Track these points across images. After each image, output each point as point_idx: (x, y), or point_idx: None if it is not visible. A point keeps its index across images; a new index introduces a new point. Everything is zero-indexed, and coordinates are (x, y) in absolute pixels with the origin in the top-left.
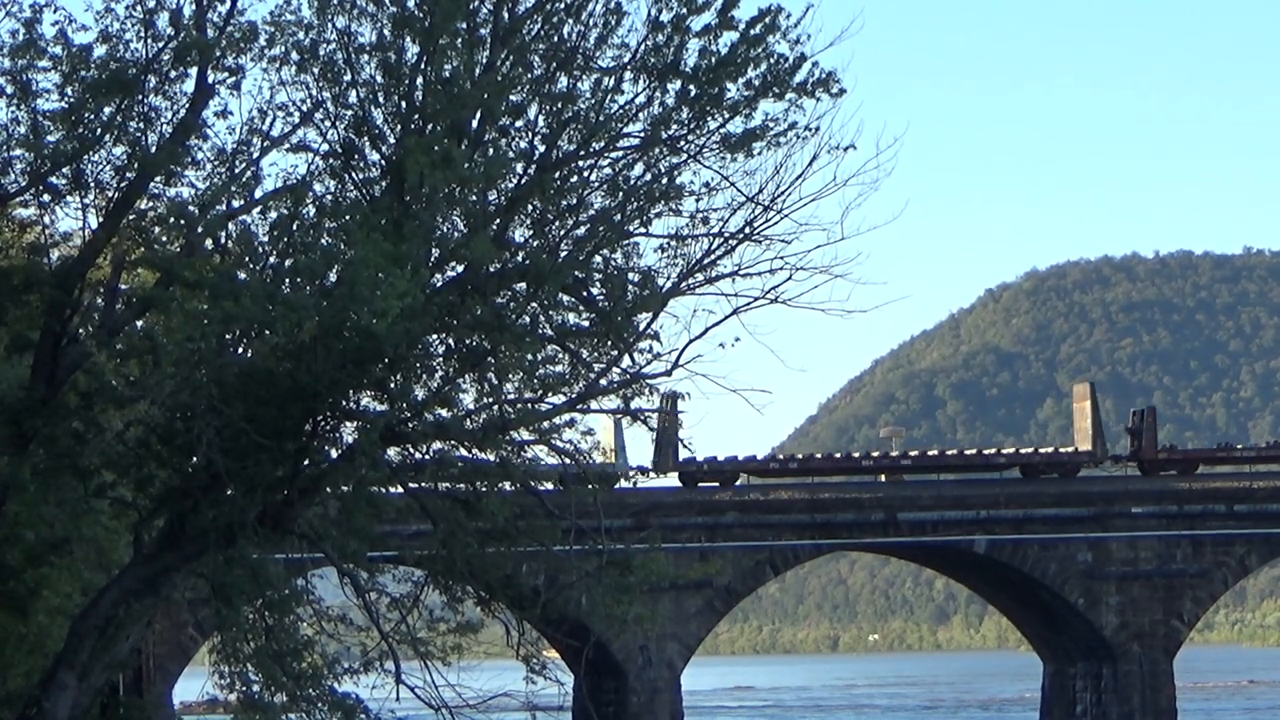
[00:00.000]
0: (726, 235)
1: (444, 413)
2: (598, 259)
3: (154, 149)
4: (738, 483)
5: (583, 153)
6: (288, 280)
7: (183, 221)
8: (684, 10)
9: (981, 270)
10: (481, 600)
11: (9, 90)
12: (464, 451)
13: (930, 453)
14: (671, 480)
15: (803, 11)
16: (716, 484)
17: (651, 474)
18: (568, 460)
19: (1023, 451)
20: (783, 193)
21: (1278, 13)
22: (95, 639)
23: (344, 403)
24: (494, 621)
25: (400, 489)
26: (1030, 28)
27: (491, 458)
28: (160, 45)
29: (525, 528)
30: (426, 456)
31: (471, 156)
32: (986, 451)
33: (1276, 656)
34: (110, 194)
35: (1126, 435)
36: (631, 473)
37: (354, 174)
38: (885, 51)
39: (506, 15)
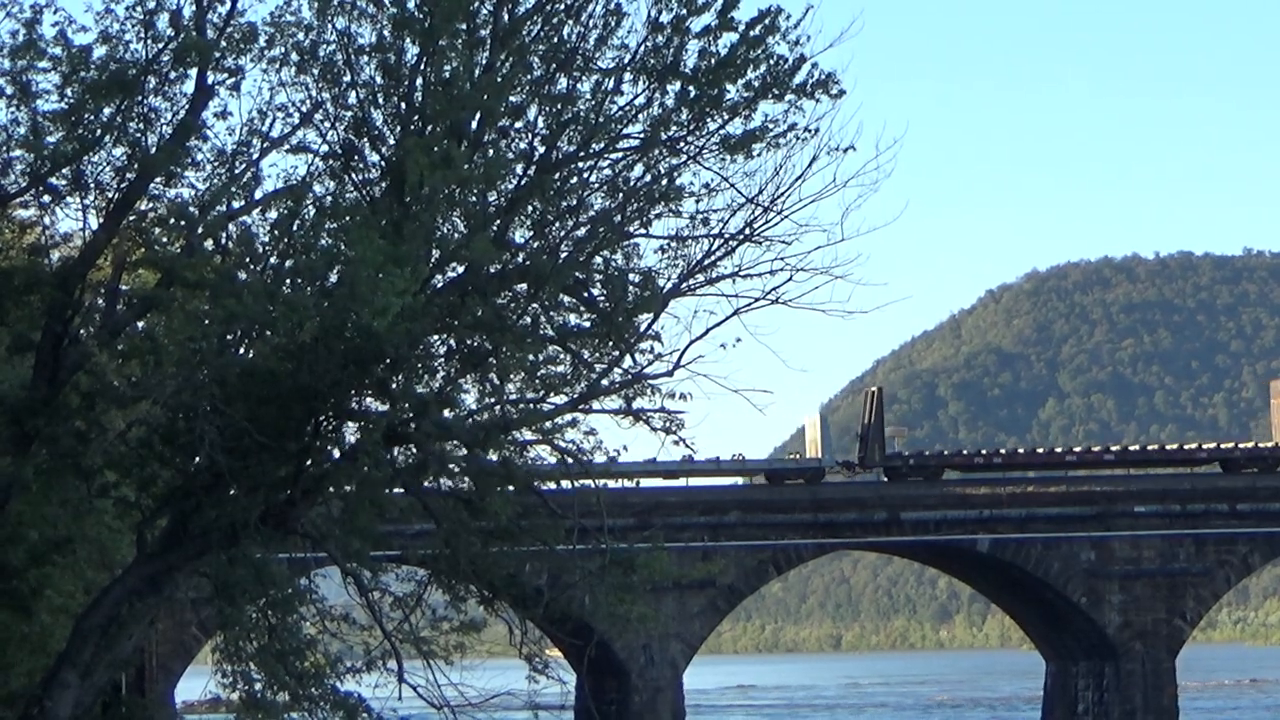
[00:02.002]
0: (727, 236)
1: (446, 413)
2: (598, 260)
3: (154, 150)
4: (942, 477)
5: (582, 154)
6: (288, 280)
7: (183, 222)
8: (684, 11)
9: (982, 271)
10: (484, 599)
11: (9, 91)
12: (466, 452)
13: (1132, 448)
14: (875, 475)
15: (802, 13)
16: (921, 479)
17: (857, 469)
18: (569, 460)
19: (1223, 446)
20: (783, 194)
21: (1278, 13)
22: (98, 638)
23: (346, 403)
24: (497, 621)
25: (403, 489)
26: (1030, 29)
27: (494, 458)
28: (160, 46)
29: (528, 527)
30: (429, 456)
31: (471, 157)
32: (1188, 447)
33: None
34: (110, 195)
35: None
36: (836, 467)
37: (354, 175)
38: (885, 53)
39: (506, 16)
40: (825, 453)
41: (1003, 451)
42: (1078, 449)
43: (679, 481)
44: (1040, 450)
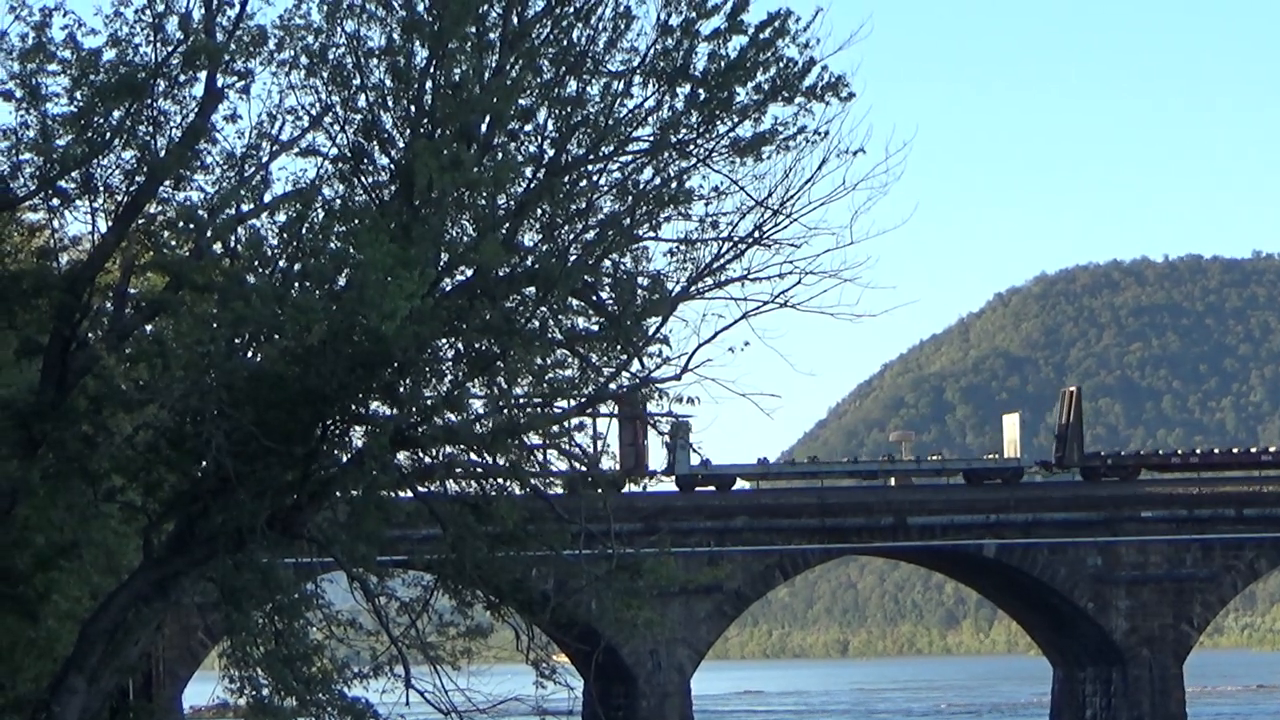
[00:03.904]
0: (736, 239)
1: (453, 417)
2: (607, 263)
3: (163, 153)
4: (1139, 477)
5: (592, 157)
6: (297, 284)
7: (192, 225)
8: (693, 14)
9: (990, 274)
10: (491, 604)
11: (18, 94)
12: (474, 456)
13: None
14: (1072, 476)
15: (812, 15)
16: (1117, 479)
17: (1054, 469)
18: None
19: None
20: (792, 197)
21: None
22: (105, 643)
23: (353, 407)
24: (504, 626)
25: (410, 493)
26: (1039, 32)
27: (501, 462)
28: (169, 49)
29: (535, 532)
30: (436, 460)
31: (481, 160)
32: None
33: None
34: (119, 198)
35: None
36: (1034, 467)
37: (363, 178)
38: (894, 55)
39: (516, 19)
40: (1025, 453)
41: (1198, 452)
42: (1274, 448)
43: (879, 482)
44: (1236, 450)
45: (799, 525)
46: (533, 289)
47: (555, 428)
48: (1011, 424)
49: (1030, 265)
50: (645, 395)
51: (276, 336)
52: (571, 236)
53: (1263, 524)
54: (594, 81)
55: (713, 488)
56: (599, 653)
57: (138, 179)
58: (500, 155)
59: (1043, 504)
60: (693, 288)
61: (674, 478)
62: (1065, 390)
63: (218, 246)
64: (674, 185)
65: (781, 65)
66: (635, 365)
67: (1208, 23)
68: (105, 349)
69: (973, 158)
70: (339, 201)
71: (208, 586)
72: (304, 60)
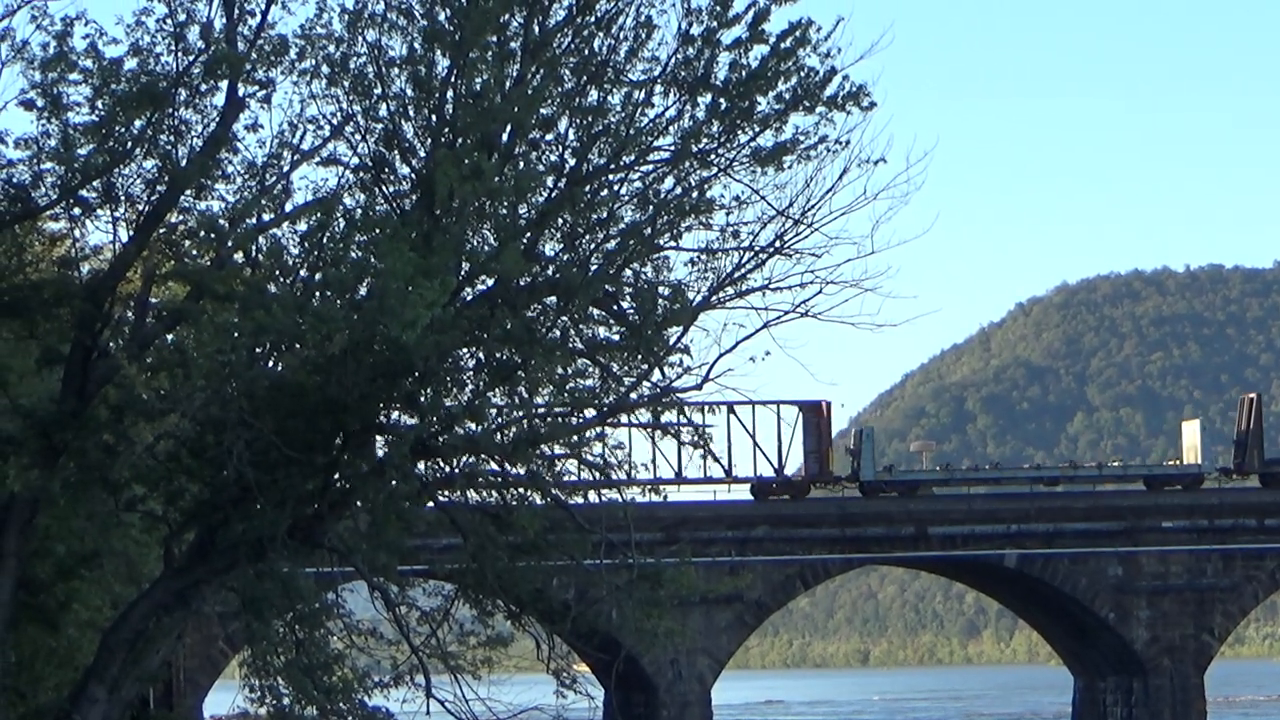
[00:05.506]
0: (757, 249)
1: (474, 426)
2: (628, 273)
3: (185, 162)
4: None
5: (613, 166)
6: (318, 293)
7: (213, 235)
8: (714, 24)
9: (1011, 284)
10: (512, 614)
11: (40, 103)
12: (494, 465)
13: None
14: (1251, 482)
15: (833, 25)
16: None
17: (1234, 475)
18: (597, 474)
19: None
20: (813, 206)
21: None
22: (125, 652)
23: (374, 416)
24: (524, 635)
25: (430, 503)
26: (1060, 43)
27: (522, 471)
28: (191, 59)
29: (556, 541)
30: (457, 470)
31: (502, 170)
32: None
33: None
34: (141, 207)
35: None
36: (1214, 474)
37: (384, 187)
38: (915, 65)
39: (537, 29)
40: (1205, 459)
41: None
42: None
43: (1059, 488)
44: None
45: (820, 535)
46: (554, 298)
47: (575, 437)
48: (1191, 430)
49: (1051, 275)
50: (666, 404)
51: (297, 346)
52: (592, 246)
53: None
54: (615, 91)
55: (896, 494)
56: (619, 662)
57: (159, 188)
58: (521, 164)
59: (1064, 514)
60: (714, 297)
61: (858, 484)
62: (1244, 397)
63: (239, 256)
64: (695, 195)
65: (803, 75)
66: (656, 375)
67: (1228, 33)
68: (126, 358)
69: (994, 167)
70: (360, 211)
71: (229, 596)
72: (325, 69)
